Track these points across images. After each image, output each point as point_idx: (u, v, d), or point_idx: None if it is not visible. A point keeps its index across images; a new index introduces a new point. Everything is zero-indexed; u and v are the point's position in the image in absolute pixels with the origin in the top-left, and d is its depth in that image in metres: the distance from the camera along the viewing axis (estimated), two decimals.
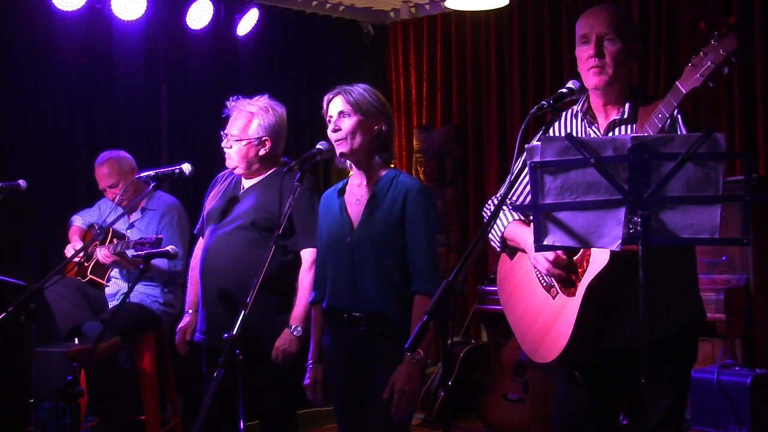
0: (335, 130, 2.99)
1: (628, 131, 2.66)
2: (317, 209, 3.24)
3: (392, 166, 3.12)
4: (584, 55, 2.68)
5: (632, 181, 2.20)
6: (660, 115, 2.51)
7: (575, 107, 2.78)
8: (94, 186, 4.90)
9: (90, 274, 4.69)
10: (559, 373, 2.86)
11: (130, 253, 4.40)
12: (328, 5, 6.62)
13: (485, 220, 2.73)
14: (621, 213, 2.22)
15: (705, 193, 2.18)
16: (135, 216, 4.70)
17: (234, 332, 2.57)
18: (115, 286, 4.66)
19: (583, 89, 2.68)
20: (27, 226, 5.16)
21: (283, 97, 4.25)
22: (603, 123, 2.72)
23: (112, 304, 4.64)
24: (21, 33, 5.14)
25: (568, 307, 2.61)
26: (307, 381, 3.12)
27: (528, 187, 2.62)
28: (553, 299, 2.69)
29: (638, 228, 2.19)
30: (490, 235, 2.87)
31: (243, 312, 2.62)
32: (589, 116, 2.75)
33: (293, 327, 3.41)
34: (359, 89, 3.02)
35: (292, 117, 3.85)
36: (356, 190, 3.07)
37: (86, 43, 5.35)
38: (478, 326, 6.14)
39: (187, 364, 4.17)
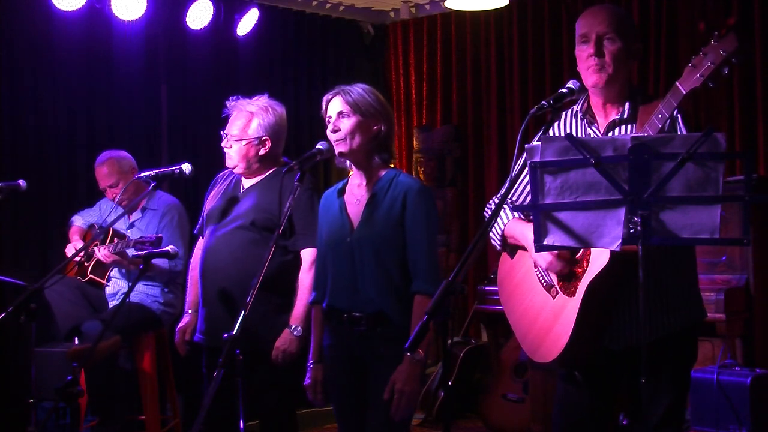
0: (334, 131, 2.99)
1: (628, 131, 2.66)
2: (317, 209, 3.24)
3: (392, 166, 3.12)
4: (584, 54, 2.68)
5: (632, 181, 2.20)
6: (660, 116, 2.51)
7: (575, 107, 2.78)
8: (94, 186, 4.90)
9: (90, 273, 4.69)
10: (559, 373, 2.86)
11: (131, 252, 4.41)
12: (328, 5, 6.62)
13: (486, 220, 2.73)
14: (621, 213, 2.22)
15: (705, 193, 2.18)
16: (135, 216, 4.70)
17: (234, 332, 2.57)
18: (115, 285, 4.66)
19: (583, 89, 2.68)
20: (27, 226, 5.16)
21: (283, 97, 4.25)
22: (603, 123, 2.72)
23: (112, 303, 4.64)
24: (21, 33, 5.14)
25: (568, 307, 2.61)
26: (307, 381, 3.12)
27: (528, 187, 2.62)
28: (553, 299, 2.69)
29: (638, 228, 2.19)
30: (490, 234, 2.87)
31: (243, 312, 2.62)
32: (589, 116, 2.75)
33: (293, 327, 3.41)
34: (358, 89, 3.02)
35: (292, 117, 3.85)
36: (356, 190, 3.07)
37: (86, 43, 5.35)
38: (478, 326, 6.14)
39: (187, 364, 4.16)
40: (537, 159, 2.24)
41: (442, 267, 6.00)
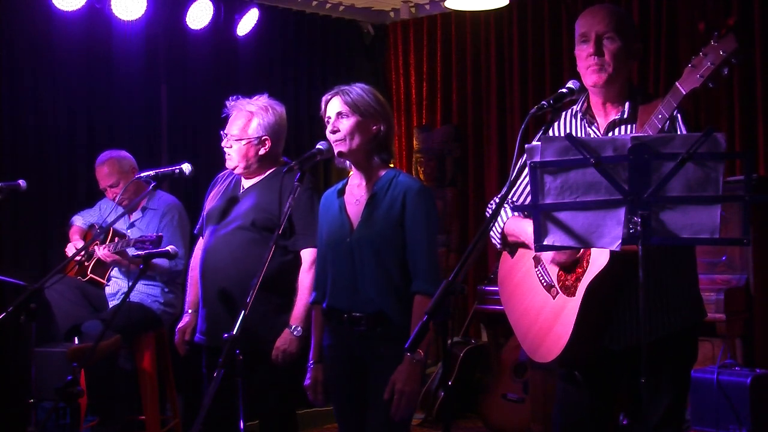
0: (334, 131, 2.99)
1: (628, 131, 2.66)
2: (317, 209, 3.24)
3: (391, 165, 3.12)
4: (583, 53, 2.68)
5: (632, 181, 2.20)
6: (660, 116, 2.51)
7: (575, 107, 2.78)
8: (94, 186, 4.90)
9: (90, 273, 4.70)
10: (559, 373, 2.86)
11: (131, 251, 4.41)
12: (328, 5, 6.62)
13: (486, 220, 2.73)
14: (621, 213, 2.22)
15: (705, 193, 2.18)
16: (135, 215, 4.70)
17: (234, 332, 2.56)
18: (115, 285, 4.67)
19: (582, 89, 2.68)
20: (27, 226, 5.16)
21: (283, 97, 4.25)
22: (603, 123, 2.72)
23: (112, 303, 4.64)
24: (21, 33, 5.14)
25: (568, 307, 2.61)
26: (307, 381, 3.12)
27: (528, 187, 2.62)
28: (554, 299, 2.69)
29: (638, 228, 2.19)
30: (491, 233, 2.87)
31: (243, 312, 2.62)
32: (589, 116, 2.74)
33: (293, 327, 3.41)
34: (357, 89, 3.02)
35: (292, 117, 3.85)
36: (356, 190, 3.07)
37: (86, 43, 5.35)
38: (478, 326, 6.14)
39: (187, 364, 4.17)
40: (537, 159, 2.24)
41: (442, 267, 6.00)
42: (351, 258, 2.98)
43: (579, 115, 2.76)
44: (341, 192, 3.10)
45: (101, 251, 4.54)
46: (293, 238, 3.49)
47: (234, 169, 3.60)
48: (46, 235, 5.21)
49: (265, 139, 3.56)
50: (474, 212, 6.43)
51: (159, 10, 5.45)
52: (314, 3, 6.56)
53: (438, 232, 3.19)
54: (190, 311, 3.72)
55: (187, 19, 5.47)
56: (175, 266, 4.49)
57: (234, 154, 3.56)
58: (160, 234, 4.08)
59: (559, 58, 5.96)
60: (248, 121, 3.55)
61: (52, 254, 5.15)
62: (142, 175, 3.81)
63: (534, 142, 2.29)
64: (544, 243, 2.28)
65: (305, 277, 3.44)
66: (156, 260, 4.08)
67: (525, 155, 2.28)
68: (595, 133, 2.71)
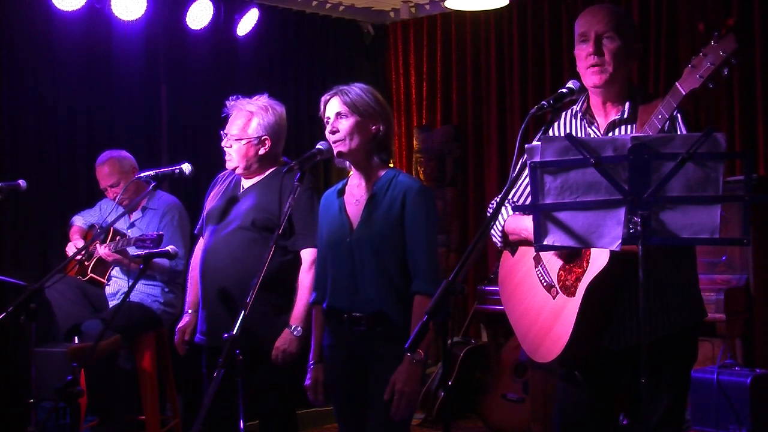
0: (333, 132, 2.99)
1: (628, 131, 2.66)
2: (317, 209, 3.24)
3: (391, 165, 3.12)
4: (583, 53, 2.68)
5: (632, 181, 2.20)
6: (659, 116, 2.51)
7: (575, 107, 2.78)
8: (94, 186, 4.90)
9: (91, 272, 4.70)
10: (559, 373, 2.85)
11: (132, 250, 4.41)
12: (328, 5, 6.62)
13: (486, 219, 2.73)
14: (621, 213, 2.22)
15: (705, 193, 2.18)
16: (136, 215, 4.70)
17: (234, 332, 2.56)
18: (115, 285, 4.67)
19: (582, 89, 2.68)
20: (27, 226, 5.16)
21: (283, 97, 4.25)
22: (603, 123, 2.72)
23: (112, 303, 4.65)
24: (21, 33, 5.14)
25: (568, 307, 2.61)
26: (308, 382, 3.12)
27: (528, 188, 2.62)
28: (554, 299, 2.69)
29: (638, 228, 2.19)
30: (491, 232, 2.87)
31: (243, 312, 2.62)
32: (589, 116, 2.74)
33: (293, 327, 3.41)
34: (356, 89, 3.01)
35: (292, 117, 3.85)
36: (355, 190, 3.07)
37: (86, 43, 5.35)
38: (478, 326, 6.14)
39: (187, 364, 4.17)
40: (537, 159, 2.24)
41: (442, 267, 6.00)
42: (351, 258, 2.98)
43: (579, 115, 2.76)
44: (341, 192, 3.10)
45: (102, 250, 4.54)
46: (293, 238, 3.49)
47: (234, 169, 3.60)
48: (46, 235, 5.21)
49: (265, 139, 3.56)
50: (474, 212, 6.43)
51: (159, 10, 5.45)
52: (314, 3, 6.56)
53: (438, 232, 3.19)
54: (190, 311, 3.72)
55: (187, 19, 5.47)
56: (176, 266, 4.49)
57: (234, 153, 3.56)
58: (160, 233, 4.08)
59: (559, 58, 5.96)
60: (248, 121, 3.55)
61: (52, 254, 5.15)
62: (142, 175, 3.81)
63: (534, 142, 2.29)
64: (544, 243, 2.28)
65: (305, 277, 3.44)
66: (156, 259, 4.08)
67: (525, 155, 2.28)
68: (595, 133, 2.71)
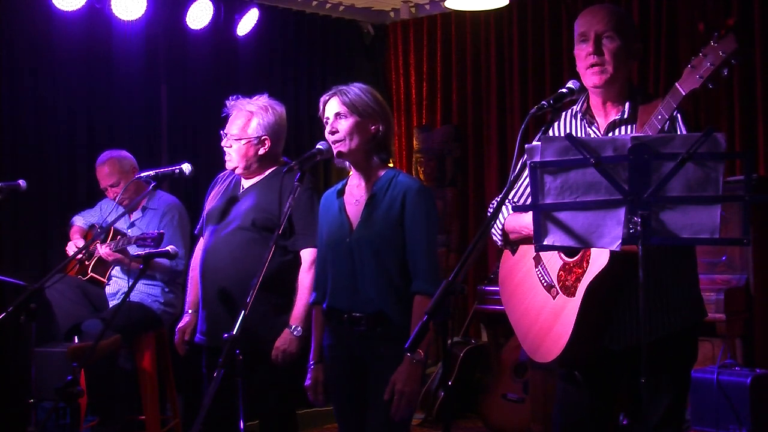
0: (332, 132, 2.99)
1: (628, 131, 2.65)
2: (317, 209, 3.24)
3: (390, 165, 3.12)
4: (583, 53, 2.67)
5: (632, 181, 2.20)
6: (659, 117, 2.51)
7: (575, 107, 2.78)
8: (94, 186, 4.90)
9: (91, 272, 4.70)
10: (559, 373, 2.86)
11: (132, 249, 4.41)
12: (328, 5, 6.62)
13: (487, 219, 2.73)
14: (621, 213, 2.22)
15: (705, 193, 2.18)
16: (136, 215, 4.71)
17: (234, 332, 2.57)
18: (115, 285, 4.67)
19: (582, 89, 2.68)
20: (27, 226, 5.16)
21: (283, 97, 4.25)
22: (603, 123, 2.71)
23: (112, 302, 4.65)
24: (21, 33, 5.14)
25: (568, 307, 2.61)
26: (308, 382, 3.12)
27: (528, 188, 2.62)
28: (554, 299, 2.69)
29: (638, 228, 2.19)
30: (492, 232, 2.87)
31: (243, 312, 2.62)
32: (589, 116, 2.74)
33: (293, 327, 3.41)
34: (355, 90, 3.01)
35: (292, 117, 3.85)
36: (355, 190, 3.07)
37: (86, 43, 5.34)
38: (478, 326, 6.14)
39: (187, 364, 4.17)
40: (537, 159, 2.24)
41: (442, 267, 6.00)
42: (351, 258, 2.98)
43: (579, 116, 2.76)
44: (341, 192, 3.10)
45: (102, 250, 4.54)
46: (293, 238, 3.49)
47: (234, 169, 3.60)
48: (46, 235, 5.21)
49: (265, 139, 3.56)
50: (474, 212, 6.43)
51: (159, 10, 5.45)
52: (314, 3, 6.56)
53: (438, 232, 3.19)
54: (190, 311, 3.72)
55: (187, 19, 5.47)
56: (176, 266, 4.49)
57: (234, 153, 3.56)
58: (161, 231, 4.08)
59: (559, 58, 5.96)
60: (248, 121, 3.56)
61: (52, 254, 5.15)
62: (142, 175, 3.81)
63: (534, 142, 2.29)
64: (544, 243, 2.28)
65: (305, 277, 3.44)
66: (157, 258, 4.09)
67: (525, 155, 2.28)
68: (595, 133, 2.71)
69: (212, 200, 3.70)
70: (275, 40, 6.26)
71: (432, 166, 6.44)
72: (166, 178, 3.71)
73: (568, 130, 2.76)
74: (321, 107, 3.05)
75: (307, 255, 3.46)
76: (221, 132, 3.60)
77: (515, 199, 2.88)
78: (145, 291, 4.60)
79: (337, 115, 2.98)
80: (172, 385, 4.90)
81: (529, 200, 2.32)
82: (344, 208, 3.06)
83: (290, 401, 3.59)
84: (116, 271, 4.68)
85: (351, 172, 3.12)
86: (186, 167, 3.66)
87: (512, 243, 2.87)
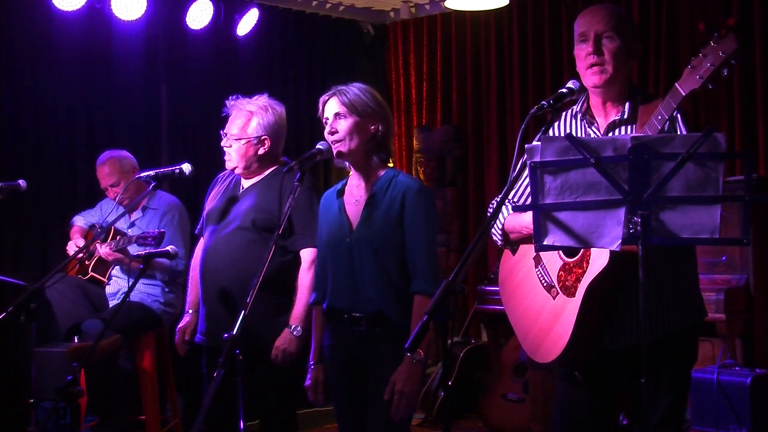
0: (332, 132, 2.98)
1: (628, 132, 2.65)
2: (316, 209, 3.24)
3: (390, 165, 3.12)
4: (583, 53, 2.67)
5: (632, 181, 2.20)
6: (659, 117, 2.51)
7: (575, 107, 2.78)
8: (94, 186, 4.90)
9: (91, 271, 4.70)
10: (559, 373, 2.86)
11: (133, 249, 4.41)
12: (328, 5, 6.62)
13: (487, 219, 2.73)
14: (621, 213, 2.22)
15: (705, 193, 2.18)
16: (136, 215, 4.71)
17: (234, 332, 2.57)
18: (115, 285, 4.67)
19: (582, 89, 2.68)
20: (27, 226, 5.16)
21: (283, 97, 4.25)
22: (603, 123, 2.71)
23: (112, 302, 4.65)
24: (21, 33, 5.14)
25: (569, 308, 2.61)
26: (308, 382, 3.12)
27: (528, 188, 2.62)
28: (554, 299, 2.69)
29: (638, 228, 2.19)
30: (492, 231, 2.87)
31: (243, 312, 2.62)
32: (589, 116, 2.74)
33: (293, 327, 3.41)
34: (354, 90, 3.01)
35: (292, 117, 3.85)
36: (355, 190, 3.07)
37: (86, 43, 5.34)
38: (478, 326, 6.14)
39: (187, 364, 4.17)
40: (537, 159, 2.24)
41: (442, 267, 6.00)
42: (350, 258, 2.98)
43: (579, 116, 2.76)
44: (341, 192, 3.10)
45: (103, 249, 4.54)
46: (293, 238, 3.49)
47: (234, 169, 3.60)
48: (46, 235, 5.21)
49: (265, 139, 3.56)
50: (474, 212, 6.43)
51: (159, 10, 5.45)
52: (314, 3, 6.56)
53: (438, 232, 3.19)
54: (190, 311, 3.72)
55: (187, 19, 5.47)
56: (176, 266, 4.49)
57: (233, 153, 3.56)
58: (162, 230, 4.08)
59: (559, 58, 5.96)
60: (248, 121, 3.55)
61: (52, 254, 5.15)
62: (142, 175, 3.81)
63: (534, 142, 2.29)
64: (544, 243, 2.28)
65: (305, 277, 3.44)
66: (157, 258, 4.09)
67: (525, 155, 2.28)
68: (595, 133, 2.71)
69: (212, 200, 3.70)
70: (275, 40, 6.26)
71: (432, 166, 6.44)
72: (166, 178, 3.71)
73: (568, 130, 2.76)
74: (320, 107, 3.05)
75: (307, 255, 3.46)
76: (221, 132, 3.60)
77: (515, 199, 2.88)
78: (145, 291, 4.60)
79: (337, 115, 2.98)
80: (172, 385, 4.90)
81: (529, 200, 2.32)
82: (344, 208, 3.06)
83: (290, 401, 3.59)
84: (116, 270, 4.68)
85: (351, 172, 3.12)
86: (186, 167, 3.66)
87: (512, 243, 2.87)
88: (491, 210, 2.93)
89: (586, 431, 2.79)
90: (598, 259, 2.53)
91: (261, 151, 3.56)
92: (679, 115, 2.59)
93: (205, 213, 3.70)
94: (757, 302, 4.71)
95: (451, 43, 6.62)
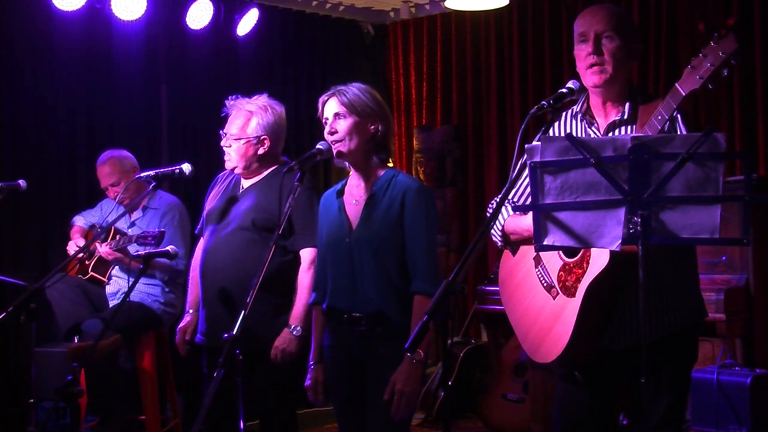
0: (332, 132, 2.98)
1: (628, 132, 2.65)
2: (316, 209, 3.24)
3: (390, 165, 3.12)
4: (583, 53, 2.67)
5: (632, 181, 2.20)
6: (659, 117, 2.51)
7: (575, 108, 2.78)
8: (94, 186, 4.90)
9: (91, 271, 4.70)
10: (559, 373, 2.85)
11: (133, 248, 4.41)
12: (328, 5, 6.62)
13: (486, 219, 2.73)
14: (621, 213, 2.22)
15: (705, 193, 2.18)
16: (136, 215, 4.71)
17: (234, 332, 2.57)
18: (115, 285, 4.67)
19: (582, 89, 2.68)
20: (27, 226, 5.16)
21: (283, 97, 4.25)
22: (603, 123, 2.71)
23: (112, 302, 4.65)
24: (21, 33, 5.14)
25: (569, 308, 2.61)
26: (308, 382, 3.12)
27: (528, 188, 2.62)
28: (554, 300, 2.69)
29: (638, 228, 2.19)
30: (491, 232, 2.87)
31: (243, 312, 2.62)
32: (589, 116, 2.74)
33: (292, 327, 3.41)
34: (354, 90, 3.01)
35: (292, 117, 3.85)
36: (355, 190, 3.07)
37: (86, 43, 5.35)
38: (478, 326, 6.14)
39: (187, 364, 4.17)
40: (537, 159, 2.24)
41: (442, 267, 6.00)
42: (350, 258, 2.98)
43: (579, 116, 2.76)
44: (340, 192, 3.10)
45: (103, 249, 4.54)
46: (292, 238, 3.49)
47: (233, 169, 3.60)
48: (46, 235, 5.21)
49: (264, 139, 3.55)
50: (474, 212, 6.43)
51: (159, 10, 5.45)
52: (314, 3, 6.56)
53: (438, 232, 3.18)
54: (191, 311, 3.72)
55: (187, 19, 5.47)
56: (176, 265, 4.50)
57: (233, 153, 3.56)
58: (162, 230, 4.08)
59: (559, 58, 5.96)
60: (247, 121, 3.55)
61: (52, 254, 5.15)
62: (142, 175, 3.81)
63: (534, 142, 2.29)
64: (544, 243, 2.29)
65: (304, 277, 3.44)
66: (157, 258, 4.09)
67: (525, 155, 2.28)
68: (595, 133, 2.71)
69: (212, 200, 3.70)
70: (275, 40, 6.26)
71: (432, 166, 6.44)
72: (166, 178, 3.70)
73: (568, 131, 2.76)
74: (320, 107, 3.05)
75: (307, 255, 3.46)
76: (220, 132, 3.60)
77: (515, 199, 2.88)
78: (145, 291, 4.60)
79: (336, 115, 2.98)
80: (172, 385, 4.90)
81: (529, 200, 2.32)
82: (344, 208, 3.06)
83: (290, 401, 3.59)
84: (116, 270, 4.68)
85: (350, 172, 3.11)
86: (186, 167, 3.65)
87: (512, 244, 2.87)
88: (491, 210, 2.93)
89: (586, 431, 2.79)
90: (599, 259, 2.53)
91: (261, 151, 3.56)
92: (679, 115, 2.59)
93: (205, 213, 3.70)
94: (757, 302, 4.71)
95: (451, 43, 6.62)
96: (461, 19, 6.52)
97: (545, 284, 2.74)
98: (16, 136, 5.15)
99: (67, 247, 4.72)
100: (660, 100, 2.56)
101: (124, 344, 4.50)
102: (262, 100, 3.62)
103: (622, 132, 2.67)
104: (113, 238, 4.61)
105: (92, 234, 4.78)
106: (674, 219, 2.20)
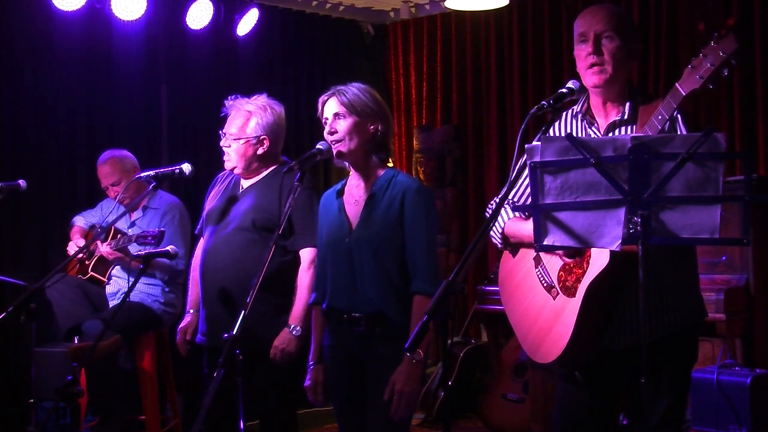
0: (331, 132, 2.98)
1: (628, 132, 2.65)
2: (316, 209, 3.24)
3: (390, 165, 3.12)
4: (582, 53, 2.67)
5: (632, 181, 2.20)
6: (659, 117, 2.51)
7: (575, 108, 2.78)
8: (94, 186, 4.91)
9: (91, 271, 4.70)
10: (559, 373, 2.85)
11: (133, 248, 4.41)
12: (328, 5, 6.62)
13: (486, 220, 2.73)
14: (621, 213, 2.22)
15: (705, 193, 2.18)
16: (136, 215, 4.71)
17: (234, 332, 2.57)
18: (115, 285, 4.67)
19: (583, 89, 2.67)
20: (27, 226, 5.16)
21: (283, 97, 4.26)
22: (603, 123, 2.71)
23: (112, 302, 4.65)
24: (21, 33, 5.14)
25: (569, 308, 2.61)
26: (308, 382, 3.12)
27: (528, 188, 2.62)
28: (554, 300, 2.69)
29: (638, 228, 2.19)
30: (491, 233, 2.87)
31: (243, 312, 2.62)
32: (589, 117, 2.74)
33: (292, 327, 3.41)
34: (353, 89, 3.01)
35: (292, 117, 3.85)
36: (354, 190, 3.07)
37: (86, 43, 5.35)
38: (478, 326, 6.14)
39: (187, 364, 4.17)
40: (537, 159, 2.24)
41: (442, 267, 6.00)
42: (350, 258, 2.98)
43: (579, 116, 2.76)
44: (340, 192, 3.10)
45: (103, 248, 4.54)
46: (292, 238, 3.49)
47: (233, 169, 3.60)
48: (46, 235, 5.21)
49: (264, 139, 3.55)
50: (474, 212, 6.43)
51: (159, 10, 5.45)
52: (314, 3, 6.56)
53: (438, 232, 3.18)
54: (191, 311, 3.72)
55: (187, 19, 5.47)
56: (176, 265, 4.50)
57: (232, 153, 3.56)
58: (162, 229, 4.08)
59: (559, 58, 5.96)
60: (247, 121, 3.55)
61: (52, 254, 5.15)
62: (142, 174, 3.81)
63: (534, 142, 2.29)
64: (544, 243, 2.29)
65: (304, 277, 3.44)
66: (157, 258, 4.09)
67: (525, 155, 2.28)
68: (595, 133, 2.71)
69: (212, 200, 3.70)
70: (275, 40, 6.26)
71: (432, 166, 6.44)
72: (166, 178, 3.71)
73: (568, 131, 2.76)
74: (320, 107, 3.05)
75: (307, 255, 3.46)
76: (220, 132, 3.60)
77: (515, 199, 2.88)
78: (146, 291, 4.60)
79: (336, 115, 2.98)
80: (172, 385, 4.90)
81: (529, 200, 2.32)
82: (344, 208, 3.06)
83: (290, 401, 3.59)
84: (116, 270, 4.68)
85: (350, 172, 3.12)
86: (186, 167, 3.66)
87: (512, 245, 2.87)
88: (491, 210, 2.93)
89: (586, 431, 2.79)
90: (599, 259, 2.53)
91: (260, 151, 3.56)
92: (679, 115, 2.59)
93: (204, 213, 3.70)
94: (757, 302, 4.71)
95: (451, 43, 6.62)
96: (461, 19, 6.52)
97: (545, 284, 2.74)
98: (16, 136, 5.15)
99: (67, 247, 4.72)
100: (660, 100, 2.56)
101: (124, 344, 4.50)
102: (261, 100, 3.61)
103: (623, 132, 2.67)
104: (113, 237, 4.61)
105: (92, 234, 4.78)
106: (674, 219, 2.20)
